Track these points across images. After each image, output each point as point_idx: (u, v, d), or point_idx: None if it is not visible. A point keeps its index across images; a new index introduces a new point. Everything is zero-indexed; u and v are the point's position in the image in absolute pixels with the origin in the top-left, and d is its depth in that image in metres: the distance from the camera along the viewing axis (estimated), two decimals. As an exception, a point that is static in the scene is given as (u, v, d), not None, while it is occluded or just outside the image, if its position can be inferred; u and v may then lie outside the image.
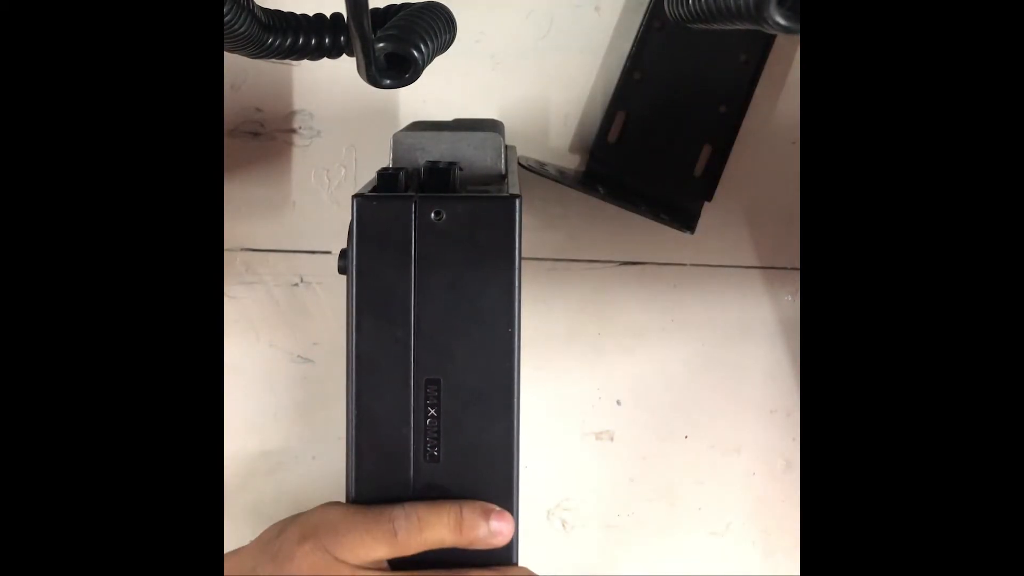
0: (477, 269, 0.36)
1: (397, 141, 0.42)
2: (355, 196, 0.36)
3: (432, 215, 0.36)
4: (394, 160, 0.41)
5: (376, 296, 0.36)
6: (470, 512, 0.37)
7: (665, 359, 0.57)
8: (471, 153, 0.41)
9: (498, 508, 0.37)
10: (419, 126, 0.46)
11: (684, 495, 0.58)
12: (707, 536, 0.59)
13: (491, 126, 0.46)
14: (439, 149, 0.41)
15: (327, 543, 0.37)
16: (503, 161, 0.42)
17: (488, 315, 0.36)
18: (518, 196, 0.37)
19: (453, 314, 0.36)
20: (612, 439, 0.58)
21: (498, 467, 0.37)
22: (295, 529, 0.38)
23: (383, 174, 0.38)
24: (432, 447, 0.37)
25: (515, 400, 0.37)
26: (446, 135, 0.41)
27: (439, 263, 0.36)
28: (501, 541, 0.37)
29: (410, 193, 0.37)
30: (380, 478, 0.37)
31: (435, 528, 0.36)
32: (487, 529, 0.37)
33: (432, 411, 0.37)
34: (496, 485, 0.37)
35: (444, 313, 0.36)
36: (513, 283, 0.36)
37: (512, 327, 0.36)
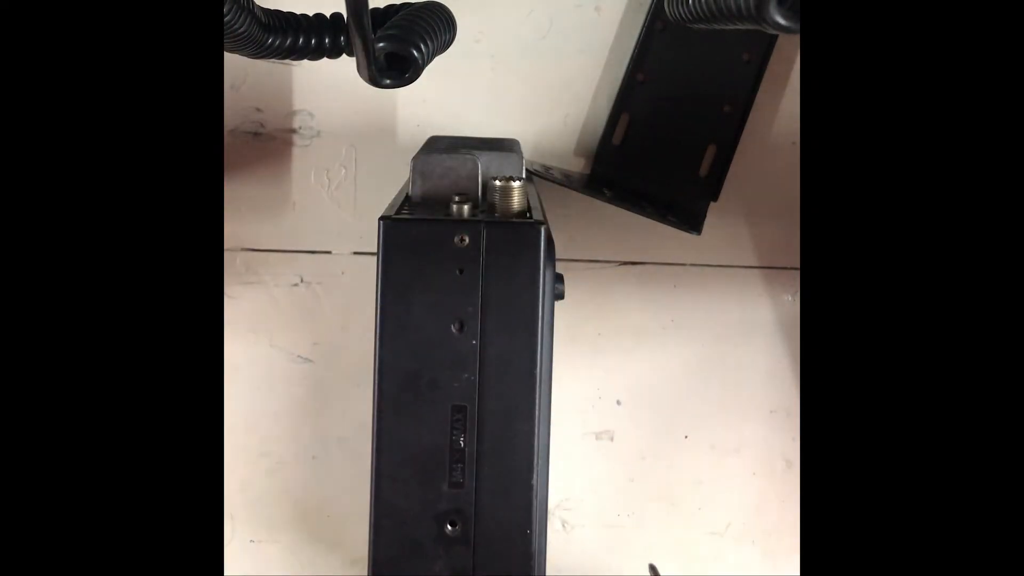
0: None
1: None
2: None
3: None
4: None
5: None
6: None
7: (665, 359, 0.57)
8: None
9: None
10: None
11: (684, 495, 0.58)
12: (707, 536, 0.58)
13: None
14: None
15: None
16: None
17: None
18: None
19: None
20: (612, 439, 0.58)
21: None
22: None
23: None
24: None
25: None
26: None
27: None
28: None
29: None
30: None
31: None
32: None
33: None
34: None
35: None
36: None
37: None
